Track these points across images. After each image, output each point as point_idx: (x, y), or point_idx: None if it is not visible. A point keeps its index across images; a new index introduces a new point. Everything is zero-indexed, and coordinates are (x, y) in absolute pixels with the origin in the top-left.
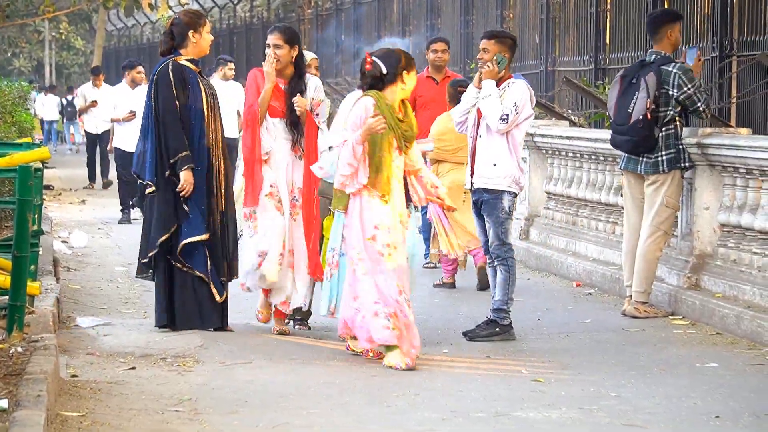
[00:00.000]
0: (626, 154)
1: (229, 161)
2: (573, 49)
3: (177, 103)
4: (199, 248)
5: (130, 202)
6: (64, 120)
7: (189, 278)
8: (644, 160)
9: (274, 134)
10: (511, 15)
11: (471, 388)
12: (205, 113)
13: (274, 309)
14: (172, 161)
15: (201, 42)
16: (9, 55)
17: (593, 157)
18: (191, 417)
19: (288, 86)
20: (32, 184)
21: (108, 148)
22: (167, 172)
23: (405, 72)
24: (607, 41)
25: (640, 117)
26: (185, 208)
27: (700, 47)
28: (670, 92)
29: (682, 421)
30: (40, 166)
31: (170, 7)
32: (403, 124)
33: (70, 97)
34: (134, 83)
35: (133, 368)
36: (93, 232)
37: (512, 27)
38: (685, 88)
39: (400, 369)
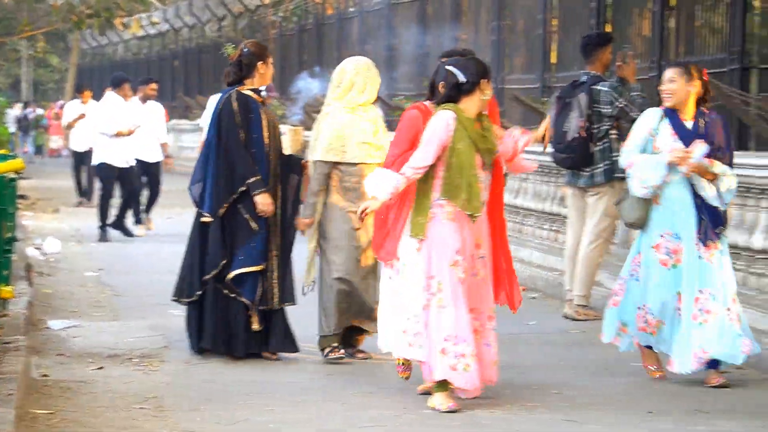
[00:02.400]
0: (568, 170)
1: (285, 185)
2: (521, 68)
3: (241, 132)
4: (254, 275)
5: (108, 221)
6: (20, 133)
7: (232, 304)
8: (583, 174)
9: None
10: (464, 36)
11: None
12: (266, 142)
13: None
14: (241, 189)
15: (267, 72)
16: None
17: (539, 169)
18: (156, 414)
19: None
20: (6, 193)
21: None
22: (225, 205)
23: (484, 80)
24: (554, 61)
25: (576, 135)
26: (253, 230)
27: (639, 66)
28: (603, 110)
29: (618, 416)
30: (15, 176)
31: (142, 27)
32: (485, 140)
33: (26, 111)
34: (145, 97)
35: (101, 368)
36: (66, 240)
37: (466, 47)
38: (617, 103)
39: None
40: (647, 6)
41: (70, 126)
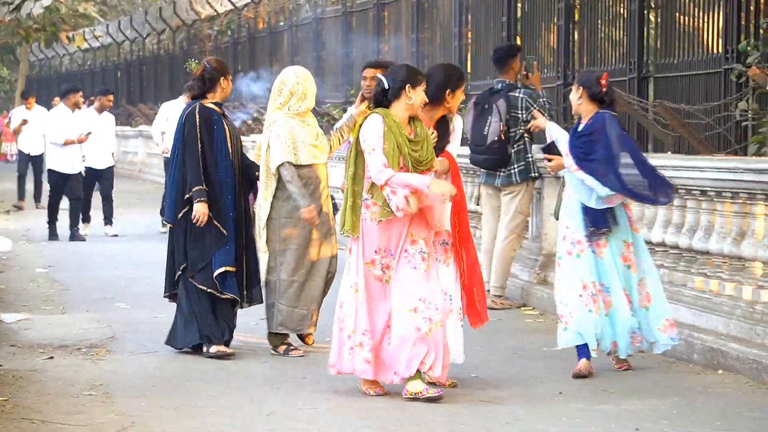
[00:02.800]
0: (484, 171)
1: (244, 193)
2: None
3: (200, 143)
4: (230, 274)
5: (57, 221)
6: None
7: (216, 301)
8: (500, 174)
9: None
10: (386, 48)
11: None
12: (230, 151)
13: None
14: (187, 195)
15: (227, 87)
16: None
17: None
18: (103, 400)
19: None
20: None
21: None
22: (181, 212)
23: (409, 86)
24: (468, 70)
25: (495, 138)
26: (223, 235)
27: (546, 76)
28: (520, 115)
29: (532, 397)
30: None
31: (86, 40)
32: (413, 144)
33: None
34: (76, 106)
35: (51, 358)
36: (17, 239)
37: (387, 58)
38: (532, 108)
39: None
40: (553, 20)
41: (16, 131)
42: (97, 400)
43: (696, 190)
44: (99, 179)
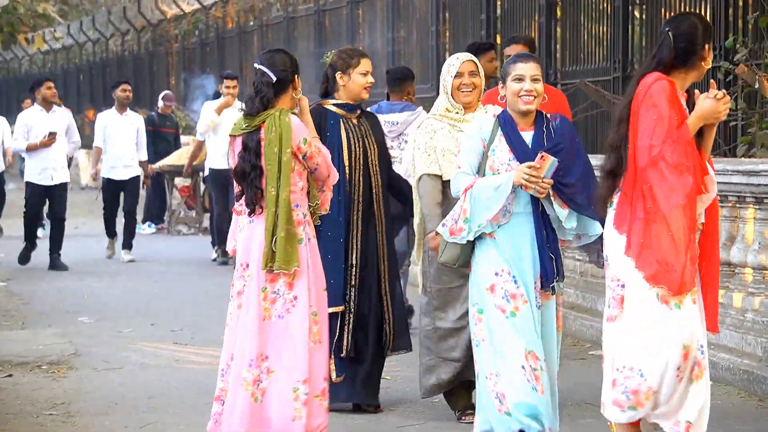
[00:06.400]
0: None
1: (389, 223)
2: (416, 78)
3: None
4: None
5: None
6: None
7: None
8: None
9: None
10: (361, 47)
11: None
12: (345, 164)
13: None
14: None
15: (350, 85)
16: None
17: None
18: (64, 419)
19: None
20: None
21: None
22: None
23: (297, 75)
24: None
25: None
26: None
27: None
28: None
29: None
30: None
31: (45, 41)
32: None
33: None
34: (47, 103)
35: (10, 375)
36: None
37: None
38: None
39: None
40: (534, 17)
41: None
42: (58, 419)
43: None
44: (123, 192)
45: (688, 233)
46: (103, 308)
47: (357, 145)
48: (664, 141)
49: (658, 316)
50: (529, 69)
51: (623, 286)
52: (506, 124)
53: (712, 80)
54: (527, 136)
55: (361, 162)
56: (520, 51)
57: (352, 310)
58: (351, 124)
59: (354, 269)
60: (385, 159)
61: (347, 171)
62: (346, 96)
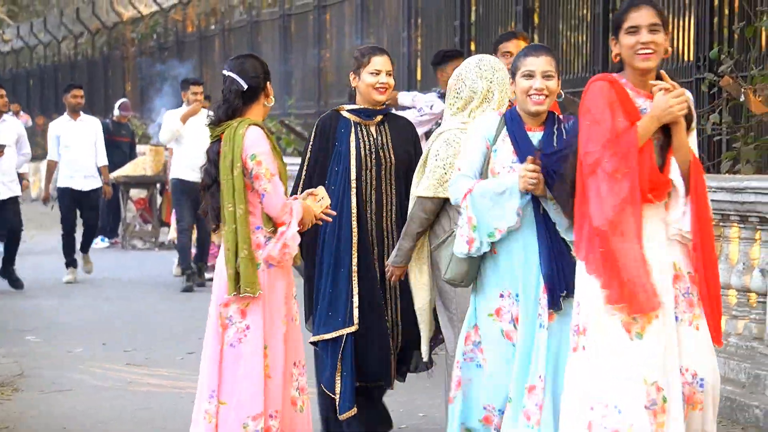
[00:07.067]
0: None
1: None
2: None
3: (307, 160)
4: (329, 349)
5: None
6: None
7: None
8: None
9: None
10: (328, 54)
11: None
12: (352, 177)
13: None
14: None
15: (360, 86)
16: None
17: None
18: None
19: None
20: None
21: None
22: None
23: (269, 82)
24: (418, 78)
25: None
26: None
27: None
28: None
29: None
30: None
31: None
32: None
33: None
34: None
35: None
36: None
37: (328, 65)
38: None
39: None
40: (510, 24)
41: None
42: None
43: None
44: (80, 204)
45: (636, 245)
46: (51, 327)
47: (369, 158)
48: (603, 146)
49: (618, 347)
50: (540, 64)
51: (581, 312)
52: (513, 123)
53: (662, 71)
54: (535, 136)
55: (374, 175)
56: (520, 45)
57: (364, 332)
58: (365, 133)
59: (362, 290)
60: (405, 171)
61: (353, 185)
62: (361, 100)
